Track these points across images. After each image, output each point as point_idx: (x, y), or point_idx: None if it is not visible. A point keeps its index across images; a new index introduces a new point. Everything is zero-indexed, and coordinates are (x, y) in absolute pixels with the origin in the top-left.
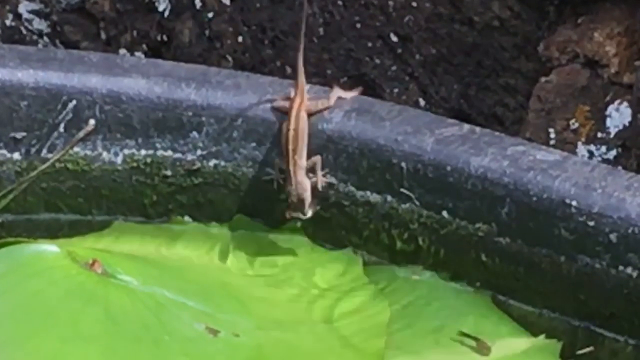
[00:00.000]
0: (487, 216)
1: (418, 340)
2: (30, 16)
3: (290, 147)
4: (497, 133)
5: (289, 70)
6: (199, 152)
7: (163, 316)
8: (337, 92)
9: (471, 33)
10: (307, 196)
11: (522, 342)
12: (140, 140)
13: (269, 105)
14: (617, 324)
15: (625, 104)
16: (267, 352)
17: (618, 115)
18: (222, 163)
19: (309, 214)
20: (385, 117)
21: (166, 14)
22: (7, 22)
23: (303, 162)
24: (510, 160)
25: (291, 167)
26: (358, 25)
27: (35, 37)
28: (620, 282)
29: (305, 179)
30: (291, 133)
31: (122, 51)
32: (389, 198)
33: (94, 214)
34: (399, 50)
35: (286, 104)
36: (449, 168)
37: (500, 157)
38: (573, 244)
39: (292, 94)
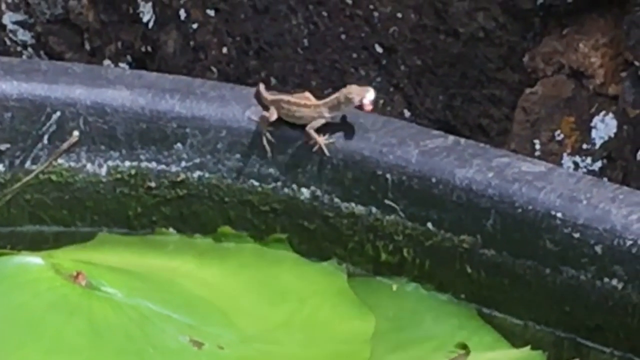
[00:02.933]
0: (472, 228)
1: (402, 352)
2: (15, 27)
3: (310, 102)
4: (482, 144)
5: (273, 81)
6: (183, 163)
7: (147, 328)
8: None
9: (456, 44)
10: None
11: (507, 354)
12: (124, 151)
13: (253, 117)
14: (603, 335)
15: (610, 115)
16: None
17: (603, 127)
18: (207, 174)
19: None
20: (370, 128)
21: (150, 25)
22: None
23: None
24: (495, 172)
25: (304, 113)
26: (343, 36)
27: (19, 48)
28: (606, 294)
29: (325, 109)
30: (284, 104)
31: (107, 62)
32: (374, 210)
33: (78, 226)
34: (384, 62)
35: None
36: (433, 180)
37: (485, 168)
38: (558, 256)
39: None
